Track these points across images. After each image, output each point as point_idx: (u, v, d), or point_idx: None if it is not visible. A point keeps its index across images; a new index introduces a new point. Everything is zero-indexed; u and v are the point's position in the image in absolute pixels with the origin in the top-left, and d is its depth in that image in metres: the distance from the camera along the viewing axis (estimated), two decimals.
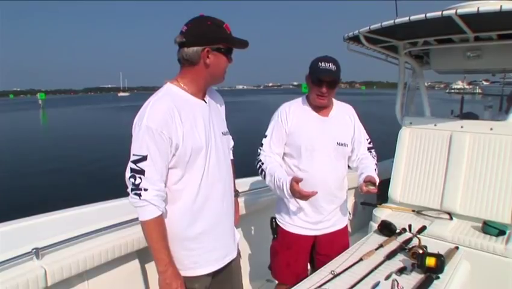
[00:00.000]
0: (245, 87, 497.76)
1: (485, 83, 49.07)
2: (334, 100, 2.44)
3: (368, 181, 2.16)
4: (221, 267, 1.85)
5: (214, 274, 1.84)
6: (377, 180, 2.22)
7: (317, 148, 2.31)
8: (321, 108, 2.37)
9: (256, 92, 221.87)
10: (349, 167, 2.52)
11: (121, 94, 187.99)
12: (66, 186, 11.16)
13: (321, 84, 2.23)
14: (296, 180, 2.06)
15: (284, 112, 2.38)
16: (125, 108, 52.20)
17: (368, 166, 2.34)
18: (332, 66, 2.21)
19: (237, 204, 2.20)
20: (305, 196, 2.08)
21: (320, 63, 2.23)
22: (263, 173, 2.29)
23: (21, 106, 69.80)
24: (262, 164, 2.31)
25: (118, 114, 43.96)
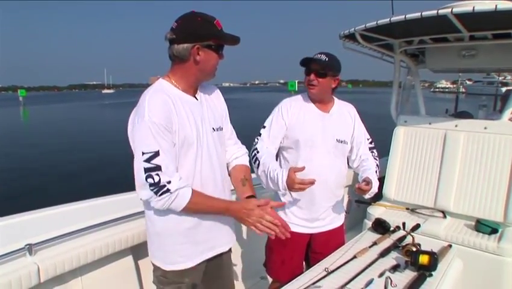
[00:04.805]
0: (231, 84, 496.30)
1: (468, 82, 49.88)
2: (335, 98, 2.45)
3: (364, 181, 2.18)
4: (209, 257, 1.84)
5: (205, 268, 1.84)
6: (375, 181, 2.24)
7: (317, 144, 2.30)
8: (321, 104, 2.38)
9: (243, 89, 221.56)
10: (349, 166, 2.52)
11: (105, 91, 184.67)
12: (53, 184, 11.03)
13: (309, 72, 2.29)
14: (295, 171, 2.03)
15: (285, 106, 2.40)
16: (108, 105, 51.75)
17: (369, 168, 2.35)
18: (323, 57, 2.27)
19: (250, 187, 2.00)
20: (306, 184, 2.02)
21: (314, 55, 2.30)
22: (257, 162, 2.25)
23: (1, 103, 68.46)
24: (258, 152, 2.28)
25: (102, 111, 43.96)
